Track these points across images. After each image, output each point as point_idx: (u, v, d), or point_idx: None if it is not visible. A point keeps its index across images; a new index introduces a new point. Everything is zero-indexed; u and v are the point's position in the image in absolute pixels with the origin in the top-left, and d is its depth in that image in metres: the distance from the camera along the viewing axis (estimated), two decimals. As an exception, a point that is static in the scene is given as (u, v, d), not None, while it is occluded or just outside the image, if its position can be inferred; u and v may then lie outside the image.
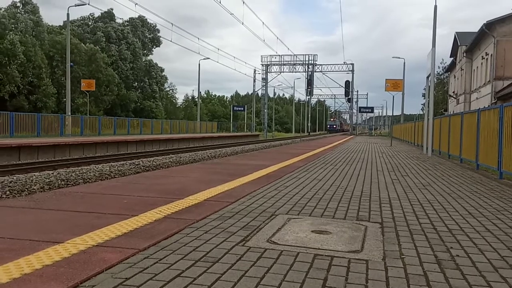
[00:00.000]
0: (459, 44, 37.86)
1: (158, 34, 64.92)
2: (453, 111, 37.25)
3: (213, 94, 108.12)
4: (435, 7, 16.09)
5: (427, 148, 16.29)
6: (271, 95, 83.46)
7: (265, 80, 61.97)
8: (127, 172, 13.26)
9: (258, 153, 15.22)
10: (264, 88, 63.70)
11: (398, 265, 2.82)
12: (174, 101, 76.83)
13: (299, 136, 60.80)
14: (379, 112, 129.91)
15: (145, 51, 65.89)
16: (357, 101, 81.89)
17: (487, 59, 29.70)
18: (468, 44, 33.93)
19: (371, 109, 68.47)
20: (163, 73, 67.56)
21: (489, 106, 21.34)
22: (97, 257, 2.77)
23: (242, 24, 42.18)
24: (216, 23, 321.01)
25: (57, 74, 46.16)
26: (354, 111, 74.68)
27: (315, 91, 72.78)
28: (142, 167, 14.49)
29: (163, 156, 19.16)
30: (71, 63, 32.68)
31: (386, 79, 24.14)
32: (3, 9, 45.84)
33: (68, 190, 5.70)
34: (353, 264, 2.82)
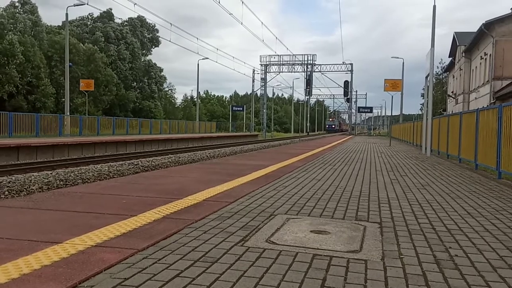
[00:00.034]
0: (458, 44, 37.90)
1: (157, 34, 64.96)
2: (452, 111, 37.29)
3: (212, 94, 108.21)
4: (434, 7, 16.10)
5: (426, 148, 16.31)
6: (270, 95, 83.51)
7: (264, 80, 62.01)
8: (126, 172, 13.25)
9: (257, 153, 15.22)
10: (263, 88, 63.75)
11: (397, 265, 2.82)
12: (173, 101, 76.83)
13: (298, 136, 60.85)
14: (378, 112, 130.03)
15: (144, 51, 65.88)
16: (356, 101, 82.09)
17: (486, 59, 29.74)
18: (467, 44, 33.97)
19: (370, 109, 68.44)
20: (162, 73, 67.59)
21: (488, 106, 21.36)
22: (95, 257, 2.77)
23: (241, 24, 42.27)
24: (215, 23, 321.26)
25: (56, 74, 46.13)
26: (353, 111, 74.78)
27: (314, 91, 72.89)
28: (141, 167, 14.48)
29: (162, 156, 19.14)
30: (70, 63, 32.65)
31: (385, 79, 24.15)
32: (1, 9, 45.85)
33: (66, 190, 5.69)
34: (352, 264, 2.82)
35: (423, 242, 3.42)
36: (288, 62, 60.31)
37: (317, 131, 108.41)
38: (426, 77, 17.91)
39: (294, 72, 60.91)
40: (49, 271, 2.51)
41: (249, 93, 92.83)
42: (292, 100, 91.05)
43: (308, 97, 70.07)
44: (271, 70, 61.59)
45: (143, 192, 5.44)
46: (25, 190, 9.49)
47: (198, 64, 49.33)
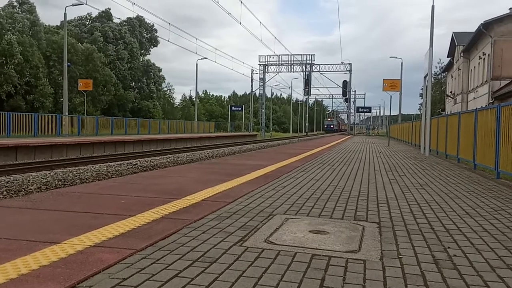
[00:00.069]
0: (456, 44, 37.95)
1: (156, 34, 64.91)
2: (451, 111, 37.34)
3: (210, 94, 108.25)
4: (433, 7, 16.12)
5: (424, 148, 16.32)
6: (269, 95, 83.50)
7: (262, 80, 61.99)
8: (124, 172, 13.24)
9: (256, 153, 15.22)
10: (262, 88, 63.74)
11: (396, 265, 2.82)
12: (171, 101, 76.78)
13: (297, 136, 60.85)
14: (376, 112, 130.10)
15: (143, 51, 65.83)
16: (355, 101, 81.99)
17: (484, 59, 29.79)
18: (466, 44, 34.02)
19: (369, 109, 68.36)
20: (161, 73, 67.54)
21: (486, 106, 21.40)
22: (94, 258, 2.77)
23: (240, 24, 42.33)
24: (213, 23, 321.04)
25: (54, 74, 46.08)
26: (352, 111, 74.81)
27: (313, 91, 72.74)
28: (139, 167, 14.47)
29: (160, 156, 19.13)
30: (68, 63, 32.60)
31: (383, 79, 24.08)
32: (0, 9, 45.75)
33: (65, 190, 5.68)
34: (351, 264, 2.82)
35: (422, 242, 3.43)
36: (287, 62, 60.31)
37: (316, 131, 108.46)
38: (425, 77, 17.92)
39: (293, 72, 61.02)
40: (48, 271, 2.51)
41: (247, 93, 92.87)
42: (291, 100, 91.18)
43: (306, 97, 70.02)
44: (270, 70, 61.62)
45: (141, 192, 5.44)
46: (23, 190, 9.47)
47: (196, 64, 49.24)
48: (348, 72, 60.73)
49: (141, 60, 63.45)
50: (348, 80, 60.35)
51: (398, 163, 11.36)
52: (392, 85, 24.49)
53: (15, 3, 49.68)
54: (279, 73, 62.04)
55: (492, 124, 8.92)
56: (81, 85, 37.44)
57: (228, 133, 52.73)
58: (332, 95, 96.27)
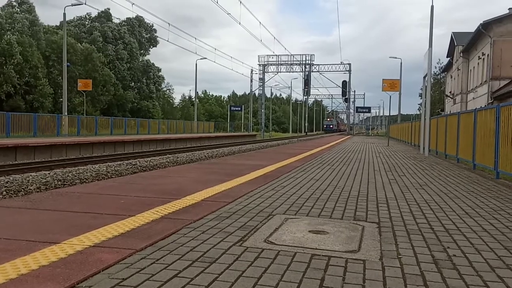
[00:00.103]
0: (455, 44, 37.98)
1: (155, 34, 64.91)
2: (450, 111, 37.36)
3: (210, 94, 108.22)
4: (432, 7, 16.13)
5: (424, 148, 16.33)
6: (268, 95, 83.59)
7: (262, 80, 62.00)
8: (124, 172, 13.23)
9: (255, 153, 15.22)
10: (261, 88, 63.75)
11: (395, 265, 2.82)
12: (171, 101, 76.79)
13: (296, 136, 60.87)
14: (376, 112, 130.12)
15: (142, 51, 65.81)
16: (354, 101, 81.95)
17: (483, 59, 29.81)
18: (465, 44, 34.05)
19: (368, 109, 68.33)
20: (160, 73, 67.52)
21: (485, 106, 21.41)
22: (94, 258, 2.77)
23: (239, 24, 42.41)
24: (213, 23, 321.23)
25: (54, 74, 46.06)
26: (351, 111, 74.79)
27: (312, 91, 72.78)
28: (139, 167, 14.46)
29: (160, 156, 19.12)
30: (68, 63, 32.58)
31: (383, 79, 24.11)
32: (-1, 9, 45.77)
33: (64, 190, 5.68)
34: (350, 264, 2.82)
35: (421, 242, 3.43)
36: (286, 62, 60.32)
37: (315, 131, 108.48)
38: (424, 77, 17.93)
39: (292, 72, 60.98)
40: (47, 271, 2.51)
41: (247, 93, 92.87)
42: (290, 100, 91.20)
43: (306, 97, 70.10)
44: (269, 70, 61.64)
45: (141, 192, 5.44)
46: (23, 190, 9.47)
47: (196, 64, 49.25)
48: (347, 72, 60.78)
49: (140, 60, 63.43)
50: (347, 80, 60.40)
51: (397, 163, 11.36)
52: (392, 85, 24.52)
53: (14, 3, 49.65)
54: (279, 73, 62.14)
55: (492, 124, 8.93)
56: (80, 85, 37.44)
57: (227, 133, 52.73)
58: (332, 95, 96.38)
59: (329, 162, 11.01)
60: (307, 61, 59.22)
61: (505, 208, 5.06)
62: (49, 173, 11.77)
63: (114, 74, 54.79)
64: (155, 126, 40.27)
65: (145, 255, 2.89)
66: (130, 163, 15.47)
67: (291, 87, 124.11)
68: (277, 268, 2.70)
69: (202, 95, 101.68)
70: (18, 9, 48.75)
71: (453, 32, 38.88)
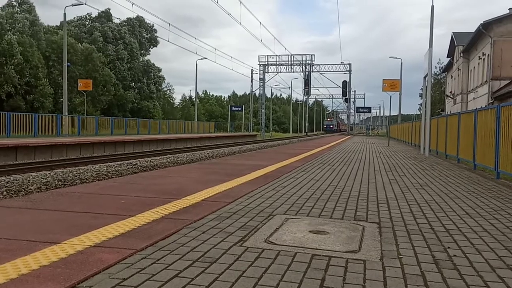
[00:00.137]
0: (456, 44, 37.97)
1: (156, 34, 64.90)
2: (450, 111, 37.35)
3: (210, 94, 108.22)
4: (432, 7, 16.12)
5: (424, 148, 16.33)
6: (269, 95, 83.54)
7: (262, 80, 62.00)
8: (124, 172, 13.24)
9: (256, 153, 15.22)
10: (262, 88, 63.75)
11: (396, 265, 2.82)
12: (171, 101, 76.80)
13: (297, 136, 60.86)
14: (376, 112, 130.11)
15: (142, 51, 65.81)
16: (355, 101, 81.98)
17: (484, 59, 29.80)
18: (465, 44, 34.04)
19: (369, 109, 68.34)
20: (161, 73, 67.52)
21: (486, 106, 21.40)
22: (94, 258, 2.77)
23: (240, 24, 42.38)
24: (213, 23, 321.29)
25: (54, 74, 46.07)
26: (352, 111, 74.80)
27: (313, 91, 72.69)
28: (139, 167, 14.46)
29: (160, 156, 19.12)
30: (68, 63, 32.59)
31: (383, 79, 24.08)
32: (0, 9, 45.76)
33: (65, 190, 5.68)
34: (351, 264, 2.82)
35: (422, 242, 3.43)
36: (287, 62, 60.32)
37: (316, 131, 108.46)
38: (425, 77, 17.92)
39: (293, 72, 60.98)
40: (48, 271, 2.51)
41: (247, 93, 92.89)
42: (291, 100, 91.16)
43: (306, 97, 70.05)
44: (270, 70, 61.64)
45: (141, 192, 5.44)
46: (23, 190, 9.47)
47: (196, 64, 49.23)
48: (348, 72, 60.79)
49: (140, 60, 63.43)
50: (348, 80, 60.41)
51: (398, 163, 11.36)
52: (392, 85, 24.50)
53: (14, 3, 49.66)
54: (279, 73, 62.13)
55: (492, 124, 8.92)
56: (80, 85, 37.43)
57: (228, 133, 52.74)
58: (332, 95, 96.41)
59: (329, 162, 11.01)
60: (307, 61, 59.23)
61: (505, 208, 5.06)
62: (49, 173, 11.78)
63: (114, 74, 54.80)
64: (156, 126, 40.27)
65: (145, 255, 2.89)
66: (131, 163, 15.47)
67: (291, 87, 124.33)
68: (277, 268, 2.70)
69: (203, 95, 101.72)
70: (19, 9, 48.75)
71: (453, 32, 38.87)
